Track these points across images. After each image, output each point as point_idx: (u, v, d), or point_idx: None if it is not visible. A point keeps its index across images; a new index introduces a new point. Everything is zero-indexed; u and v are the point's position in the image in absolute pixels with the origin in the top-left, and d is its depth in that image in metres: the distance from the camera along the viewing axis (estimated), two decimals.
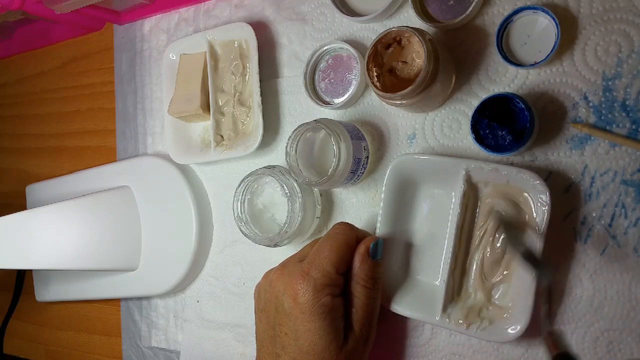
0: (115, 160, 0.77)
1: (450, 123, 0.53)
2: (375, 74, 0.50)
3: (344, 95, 0.57)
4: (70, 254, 0.67)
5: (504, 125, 0.47)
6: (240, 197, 0.59)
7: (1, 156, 0.92)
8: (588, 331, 0.46)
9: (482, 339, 0.49)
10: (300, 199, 0.56)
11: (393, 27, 0.49)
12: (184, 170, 0.68)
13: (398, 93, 0.47)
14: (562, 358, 0.36)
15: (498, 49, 0.49)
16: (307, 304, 0.47)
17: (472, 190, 0.49)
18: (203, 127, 0.67)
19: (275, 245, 0.57)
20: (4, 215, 0.66)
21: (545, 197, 0.45)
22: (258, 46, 0.61)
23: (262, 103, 0.60)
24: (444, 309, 0.49)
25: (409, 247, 0.53)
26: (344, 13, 0.57)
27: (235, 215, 0.59)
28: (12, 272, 0.88)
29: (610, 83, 0.46)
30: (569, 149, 0.47)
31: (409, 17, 0.55)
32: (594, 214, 0.46)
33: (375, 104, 0.57)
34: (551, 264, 0.46)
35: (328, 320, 0.47)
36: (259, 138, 0.60)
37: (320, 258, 0.48)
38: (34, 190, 0.83)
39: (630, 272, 0.45)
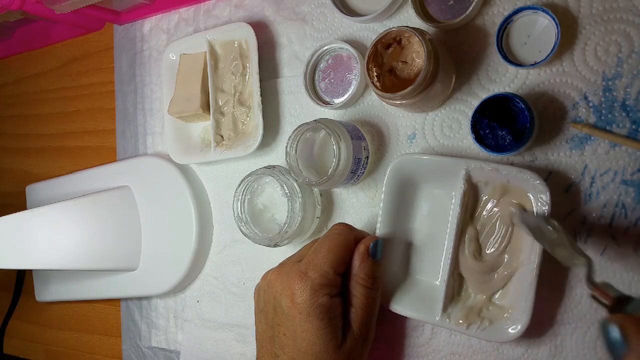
0: (115, 160, 0.77)
1: (450, 123, 0.53)
2: (375, 74, 0.50)
3: (344, 95, 0.57)
4: (70, 254, 0.67)
5: (504, 125, 0.47)
6: (240, 197, 0.59)
7: (1, 156, 0.92)
8: (588, 331, 0.46)
9: (482, 339, 0.49)
10: (300, 199, 0.56)
11: (393, 27, 0.49)
12: (184, 170, 0.68)
13: (398, 93, 0.47)
14: (621, 301, 0.35)
15: (498, 49, 0.49)
16: (305, 304, 0.47)
17: (472, 190, 0.49)
18: (203, 127, 0.67)
19: (275, 245, 0.57)
20: (4, 215, 0.66)
21: (545, 197, 0.45)
22: (258, 46, 0.61)
23: (262, 103, 0.60)
24: (444, 309, 0.49)
25: (409, 247, 0.53)
26: (344, 13, 0.56)
27: (235, 215, 0.59)
28: (12, 272, 0.88)
29: (610, 83, 0.46)
30: (569, 149, 0.47)
31: (409, 17, 0.55)
32: (594, 214, 0.46)
33: (375, 104, 0.57)
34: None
35: (326, 320, 0.47)
36: (259, 138, 0.60)
37: (318, 258, 0.48)
38: (34, 190, 0.83)
39: (630, 272, 0.45)
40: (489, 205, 0.49)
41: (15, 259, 0.66)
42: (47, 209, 0.68)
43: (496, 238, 0.49)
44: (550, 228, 0.42)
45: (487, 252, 0.49)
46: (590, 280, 0.38)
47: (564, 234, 0.41)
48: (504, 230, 0.48)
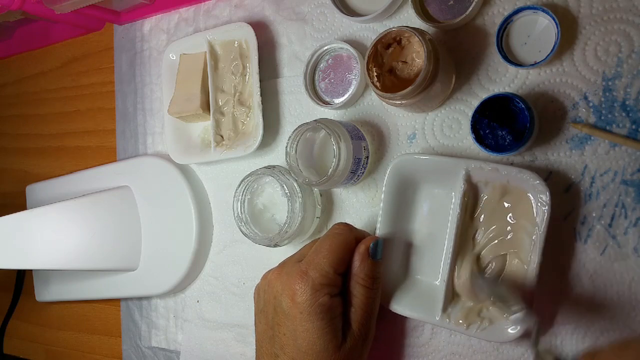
0: (115, 160, 0.77)
1: (450, 123, 0.53)
2: (375, 74, 0.50)
3: (344, 95, 0.57)
4: (70, 254, 0.67)
5: (504, 125, 0.47)
6: (240, 197, 0.59)
7: (1, 156, 0.92)
8: (588, 331, 0.46)
9: (482, 339, 0.49)
10: (300, 199, 0.56)
11: (393, 27, 0.49)
12: (184, 170, 0.68)
13: (398, 93, 0.47)
14: None
15: (498, 49, 0.49)
16: (305, 303, 0.47)
17: (472, 190, 0.49)
18: (203, 127, 0.67)
19: (275, 245, 0.57)
20: (4, 215, 0.66)
21: (545, 197, 0.45)
22: (258, 46, 0.61)
23: (262, 103, 0.60)
24: (444, 308, 0.49)
25: (409, 247, 0.53)
26: (344, 13, 0.57)
27: (235, 215, 0.59)
28: (12, 272, 0.88)
29: (610, 83, 0.46)
30: (569, 149, 0.47)
31: (409, 17, 0.55)
32: (594, 214, 0.46)
33: (375, 104, 0.57)
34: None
35: (326, 320, 0.47)
36: (259, 138, 0.60)
37: (318, 258, 0.48)
38: (34, 190, 0.83)
39: (630, 272, 0.45)
40: (486, 227, 0.49)
41: (15, 259, 0.66)
42: (47, 209, 0.68)
43: (493, 263, 0.49)
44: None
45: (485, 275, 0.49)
46: (535, 345, 0.44)
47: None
48: (501, 251, 0.48)
